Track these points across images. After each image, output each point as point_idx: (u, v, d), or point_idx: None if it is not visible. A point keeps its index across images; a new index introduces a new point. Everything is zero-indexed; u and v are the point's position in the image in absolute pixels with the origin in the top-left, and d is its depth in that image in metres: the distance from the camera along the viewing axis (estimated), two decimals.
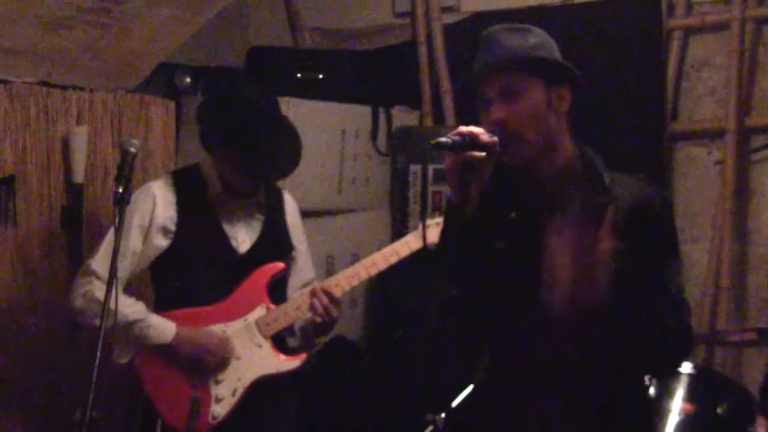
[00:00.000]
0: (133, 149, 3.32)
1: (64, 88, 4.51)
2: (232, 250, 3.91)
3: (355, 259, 4.24)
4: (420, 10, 5.80)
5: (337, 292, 3.95)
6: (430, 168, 5.23)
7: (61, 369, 4.35)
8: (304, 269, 4.15)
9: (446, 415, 3.10)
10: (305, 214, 5.25)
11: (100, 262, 3.79)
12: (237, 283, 3.91)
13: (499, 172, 2.80)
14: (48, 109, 4.44)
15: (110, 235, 3.83)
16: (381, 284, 5.45)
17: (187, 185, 3.93)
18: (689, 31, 5.26)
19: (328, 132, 5.36)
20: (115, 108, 4.67)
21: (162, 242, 3.86)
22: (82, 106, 4.55)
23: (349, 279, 4.01)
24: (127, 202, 3.21)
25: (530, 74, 2.83)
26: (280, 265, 3.98)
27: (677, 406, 3.85)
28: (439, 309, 2.98)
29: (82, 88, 4.57)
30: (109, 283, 3.11)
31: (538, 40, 2.88)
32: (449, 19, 5.79)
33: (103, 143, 4.61)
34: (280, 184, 4.27)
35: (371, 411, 5.07)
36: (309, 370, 5.15)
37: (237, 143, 3.83)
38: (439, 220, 4.08)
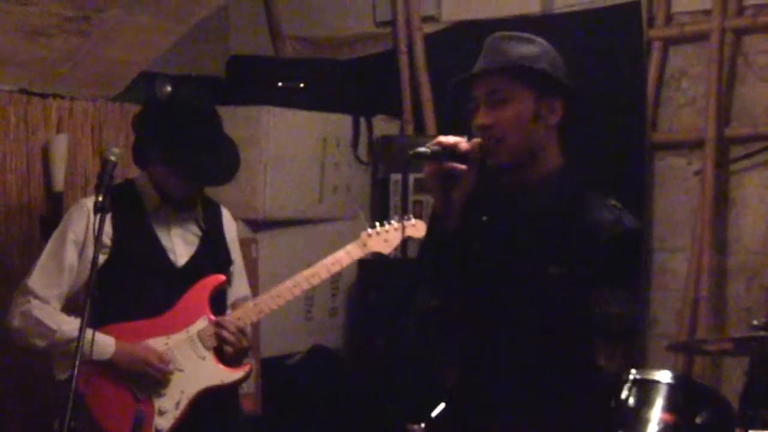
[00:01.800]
0: (113, 158, 3.31)
1: (44, 96, 4.50)
2: (170, 263, 3.87)
3: None
4: (401, 20, 5.82)
5: (249, 320, 3.95)
6: (411, 177, 5.24)
7: (39, 379, 4.32)
8: (240, 285, 4.12)
9: (426, 425, 3.10)
10: (286, 223, 5.27)
11: (36, 280, 3.74)
12: (177, 296, 3.86)
13: (480, 176, 2.81)
14: (28, 118, 4.43)
15: (46, 252, 3.79)
16: (361, 293, 5.46)
17: (122, 199, 3.81)
18: (669, 42, 5.28)
19: (309, 141, 5.36)
20: (96, 116, 4.65)
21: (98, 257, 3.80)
22: (62, 115, 4.54)
23: (273, 300, 4.01)
24: (108, 211, 3.21)
25: (520, 83, 2.81)
26: (221, 277, 3.95)
27: (656, 416, 3.84)
28: (419, 320, 2.98)
29: (62, 97, 4.56)
30: (89, 294, 3.09)
31: (538, 50, 2.86)
32: (430, 28, 5.80)
33: (83, 152, 4.60)
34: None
35: (351, 420, 5.06)
36: (289, 379, 5.17)
37: (179, 142, 3.77)
38: (388, 227, 4.13)
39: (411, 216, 4.20)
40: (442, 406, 3.01)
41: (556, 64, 2.88)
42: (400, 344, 4.94)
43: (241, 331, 3.90)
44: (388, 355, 5.11)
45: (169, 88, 5.27)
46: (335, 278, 5.09)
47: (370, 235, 4.17)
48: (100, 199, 3.18)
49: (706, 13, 5.14)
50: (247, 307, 3.98)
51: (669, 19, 5.26)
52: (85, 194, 4.53)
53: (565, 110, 2.85)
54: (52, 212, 4.45)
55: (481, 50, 2.90)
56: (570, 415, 2.76)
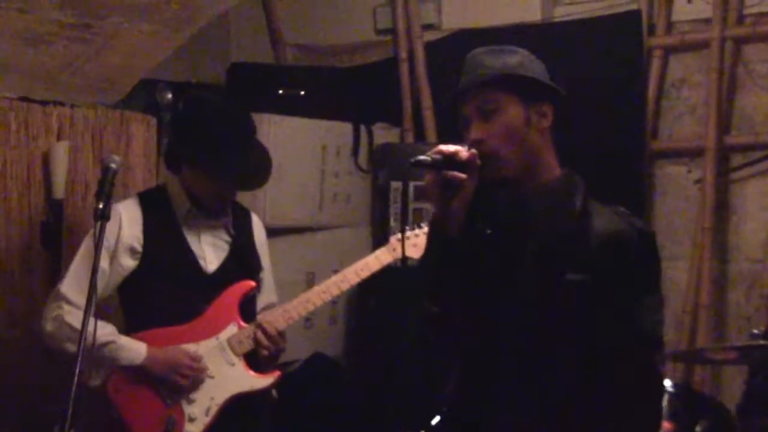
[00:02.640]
0: (113, 165, 3.31)
1: (44, 103, 4.49)
2: (200, 270, 3.88)
3: None
4: (401, 28, 5.83)
5: (279, 326, 3.94)
6: (411, 185, 5.24)
7: (39, 385, 4.32)
8: (268, 291, 4.14)
9: None
10: (286, 231, 5.27)
11: (69, 286, 3.75)
12: (206, 303, 3.88)
13: (479, 187, 2.81)
14: (28, 125, 4.42)
15: (78, 259, 3.80)
16: (361, 300, 5.45)
17: (153, 205, 3.89)
18: (669, 50, 5.30)
19: (309, 149, 5.36)
20: (96, 124, 4.65)
21: (129, 262, 3.82)
22: (62, 122, 4.53)
23: (302, 306, 4.01)
24: (107, 219, 3.20)
25: (506, 92, 2.83)
26: (251, 283, 3.97)
27: None
28: (421, 326, 2.98)
29: (63, 104, 4.55)
30: (89, 300, 3.09)
31: (519, 60, 2.89)
32: (430, 36, 5.81)
33: (84, 159, 4.59)
34: (258, 201, 4.24)
35: (351, 428, 5.06)
36: (288, 387, 5.16)
37: (212, 147, 3.79)
38: (418, 231, 4.10)
39: None
40: (441, 414, 3.02)
41: (539, 70, 2.91)
42: (401, 349, 4.94)
43: (281, 334, 3.91)
44: (387, 362, 5.11)
45: (169, 96, 5.28)
46: None
47: (399, 240, 4.17)
48: (101, 206, 3.18)
49: (707, 21, 5.15)
50: (276, 313, 3.98)
51: (669, 27, 5.28)
52: (85, 201, 4.54)
53: (555, 113, 2.88)
54: (52, 219, 4.45)
55: (462, 67, 2.92)
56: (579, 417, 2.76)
